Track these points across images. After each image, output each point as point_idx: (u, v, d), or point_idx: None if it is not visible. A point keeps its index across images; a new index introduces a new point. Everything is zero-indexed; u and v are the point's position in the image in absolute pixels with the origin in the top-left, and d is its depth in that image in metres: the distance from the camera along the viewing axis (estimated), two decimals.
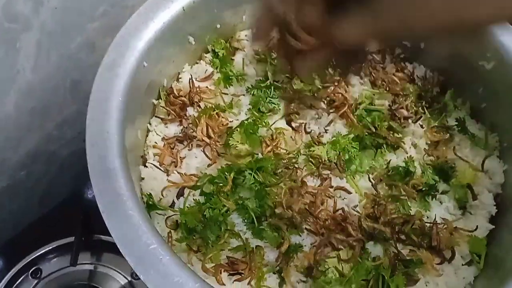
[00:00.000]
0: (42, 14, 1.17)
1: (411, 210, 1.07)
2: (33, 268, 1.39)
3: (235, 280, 0.96)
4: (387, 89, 1.23)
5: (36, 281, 1.37)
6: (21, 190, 1.51)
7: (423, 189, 1.09)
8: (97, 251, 1.41)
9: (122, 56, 1.01)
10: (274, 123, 1.19)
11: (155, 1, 1.09)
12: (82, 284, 1.36)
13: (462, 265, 1.04)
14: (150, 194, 1.05)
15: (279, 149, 1.13)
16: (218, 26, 1.27)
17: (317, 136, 1.17)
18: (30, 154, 1.46)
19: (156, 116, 1.19)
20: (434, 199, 1.10)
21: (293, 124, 1.19)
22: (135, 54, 1.02)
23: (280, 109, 1.22)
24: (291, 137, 1.16)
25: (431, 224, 1.04)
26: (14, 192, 1.49)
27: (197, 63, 1.29)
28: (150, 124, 1.18)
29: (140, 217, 0.84)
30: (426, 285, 1.00)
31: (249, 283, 0.97)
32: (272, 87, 1.22)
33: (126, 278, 1.36)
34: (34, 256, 1.40)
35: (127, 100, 0.99)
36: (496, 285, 0.92)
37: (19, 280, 1.37)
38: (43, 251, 1.41)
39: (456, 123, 1.18)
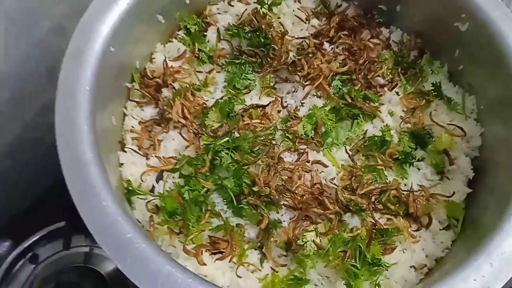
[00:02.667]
0: (4, 2, 1.14)
1: (387, 179, 1.08)
2: (30, 254, 1.43)
3: (216, 259, 0.98)
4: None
5: (34, 266, 1.41)
6: (9, 178, 1.52)
7: (400, 157, 1.10)
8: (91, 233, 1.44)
9: (87, 42, 0.99)
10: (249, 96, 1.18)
11: None
12: (78, 266, 1.40)
13: (440, 230, 1.06)
14: (129, 180, 1.06)
15: (256, 125, 1.12)
16: (188, 1, 1.24)
17: (293, 110, 1.16)
18: (14, 144, 1.46)
19: (131, 100, 1.18)
20: (411, 166, 1.10)
21: (270, 99, 1.18)
22: (99, 40, 1.00)
23: (256, 84, 1.20)
24: (267, 112, 1.15)
25: (408, 192, 1.05)
26: (2, 181, 1.50)
27: (169, 41, 1.27)
28: (125, 108, 1.17)
29: (114, 207, 0.85)
30: (404, 252, 1.03)
31: (230, 260, 0.99)
32: (247, 63, 1.21)
33: None
34: (30, 242, 1.43)
35: (96, 87, 0.98)
36: (474, 245, 0.93)
37: (18, 266, 1.41)
38: (38, 236, 1.44)
39: (433, 88, 1.17)
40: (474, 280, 0.83)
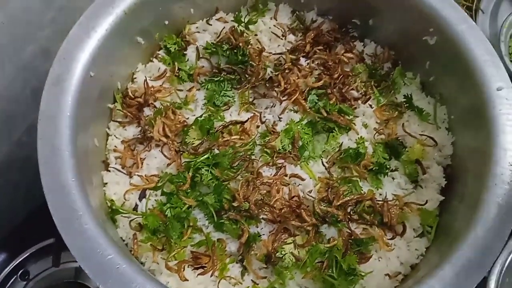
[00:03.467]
0: None
1: (363, 190, 1.11)
2: (21, 271, 1.46)
3: (198, 274, 1.02)
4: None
5: (25, 283, 1.44)
6: (1, 196, 1.55)
7: (374, 168, 1.14)
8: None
9: (67, 70, 1.03)
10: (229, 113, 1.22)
11: (95, 9, 1.09)
12: (68, 282, 1.43)
13: (414, 237, 1.10)
14: (112, 199, 1.10)
15: (235, 141, 1.16)
16: (166, 22, 1.28)
17: (271, 125, 1.19)
18: (4, 162, 1.50)
19: (113, 120, 1.21)
20: (385, 176, 1.14)
21: (249, 115, 1.22)
22: (79, 66, 1.04)
23: (235, 101, 1.24)
24: (246, 128, 1.18)
25: (383, 202, 1.09)
26: None
27: (150, 61, 1.30)
28: (108, 128, 1.21)
29: (96, 229, 0.88)
30: (379, 261, 1.06)
31: (212, 275, 1.03)
32: (226, 80, 1.24)
33: None
34: (21, 259, 1.46)
35: (77, 113, 1.01)
36: (446, 251, 0.97)
37: (9, 283, 1.44)
38: (29, 253, 1.47)
39: (405, 99, 1.21)
40: None
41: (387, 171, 1.14)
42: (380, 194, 1.13)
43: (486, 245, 0.90)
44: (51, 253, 1.47)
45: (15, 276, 1.45)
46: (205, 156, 1.11)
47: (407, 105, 1.21)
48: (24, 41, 1.30)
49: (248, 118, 1.20)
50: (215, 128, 1.17)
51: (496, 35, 1.49)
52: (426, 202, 1.11)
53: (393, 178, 1.16)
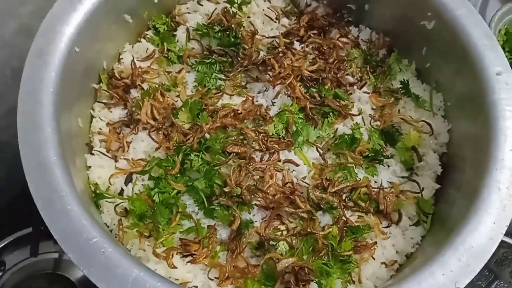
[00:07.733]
0: None
1: (358, 177, 1.08)
2: None
3: (187, 262, 0.97)
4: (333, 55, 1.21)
5: (0, 274, 1.37)
6: None
7: (369, 155, 1.10)
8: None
9: (50, 43, 0.97)
10: (221, 98, 1.17)
11: None
12: (47, 273, 1.36)
13: (410, 225, 1.07)
14: (97, 183, 1.04)
15: (227, 125, 1.11)
16: (156, 1, 1.23)
17: (264, 110, 1.15)
18: None
19: (98, 101, 1.16)
20: (381, 163, 1.11)
21: (241, 99, 1.18)
22: (64, 40, 0.98)
23: (226, 84, 1.19)
24: (238, 112, 1.14)
25: (378, 189, 1.06)
26: None
27: (138, 41, 1.25)
28: (93, 109, 1.15)
29: (80, 211, 0.83)
30: (375, 249, 1.03)
31: (202, 262, 0.98)
32: (217, 63, 1.20)
33: None
34: None
35: (60, 89, 0.95)
36: (442, 240, 0.94)
37: None
38: (5, 243, 1.39)
39: (401, 85, 1.18)
40: (443, 275, 0.84)
41: (382, 157, 1.11)
42: (375, 182, 1.10)
43: (487, 230, 0.88)
44: (28, 243, 1.40)
45: None
46: (196, 141, 1.06)
47: (404, 91, 1.18)
48: (4, 17, 1.23)
49: (241, 102, 1.16)
50: (206, 111, 1.12)
51: None
52: (422, 190, 1.08)
53: (388, 166, 1.13)
